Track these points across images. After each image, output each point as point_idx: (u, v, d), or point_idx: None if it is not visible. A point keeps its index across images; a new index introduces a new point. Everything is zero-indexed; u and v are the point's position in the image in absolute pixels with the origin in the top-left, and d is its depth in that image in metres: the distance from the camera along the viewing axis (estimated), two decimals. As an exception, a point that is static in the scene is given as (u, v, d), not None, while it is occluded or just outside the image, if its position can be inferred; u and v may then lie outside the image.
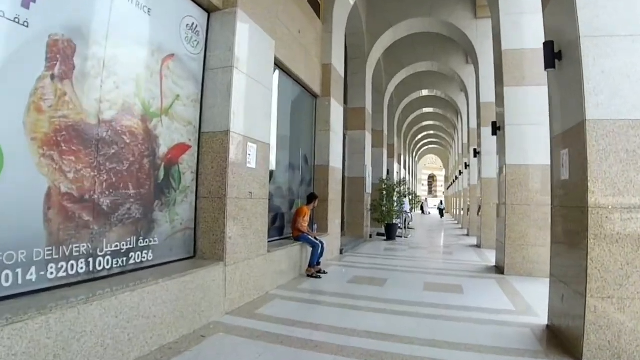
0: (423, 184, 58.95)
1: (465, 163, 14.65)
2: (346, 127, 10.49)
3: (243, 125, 4.14)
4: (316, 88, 7.48)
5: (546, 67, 3.50)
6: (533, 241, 6.04)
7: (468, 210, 14.00)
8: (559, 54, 3.38)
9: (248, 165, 4.24)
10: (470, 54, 11.31)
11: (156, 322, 2.90)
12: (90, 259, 2.80)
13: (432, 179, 64.43)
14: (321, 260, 6.13)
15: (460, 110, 16.90)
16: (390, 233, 11.54)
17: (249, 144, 4.24)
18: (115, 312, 2.56)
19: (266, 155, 4.70)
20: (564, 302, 3.27)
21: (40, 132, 2.47)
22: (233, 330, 3.35)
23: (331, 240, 7.59)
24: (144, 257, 3.28)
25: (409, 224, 15.08)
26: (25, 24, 2.39)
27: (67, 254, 2.63)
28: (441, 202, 32.39)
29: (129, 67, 3.13)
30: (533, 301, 4.46)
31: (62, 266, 2.60)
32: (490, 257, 7.79)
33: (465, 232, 14.29)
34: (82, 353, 2.32)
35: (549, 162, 3.83)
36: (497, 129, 6.72)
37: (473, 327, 3.60)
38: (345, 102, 10.37)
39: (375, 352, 2.95)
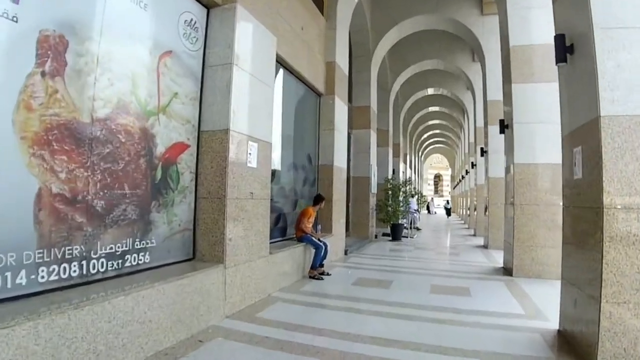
0: (429, 184, 58.65)
1: (472, 162, 14.46)
2: (351, 126, 10.37)
3: (243, 124, 4.04)
4: (320, 86, 7.36)
5: (557, 62, 3.35)
6: (542, 242, 5.88)
7: (475, 208, 13.80)
8: (570, 48, 3.23)
9: (249, 164, 4.14)
10: (476, 51, 11.13)
11: (152, 327, 2.81)
12: (84, 262, 2.72)
13: (438, 178, 64.03)
14: (325, 261, 6.02)
15: (467, 109, 16.71)
16: (395, 233, 11.39)
17: (249, 142, 4.14)
18: (108, 317, 2.47)
19: (268, 155, 4.60)
20: (577, 306, 3.13)
21: (30, 130, 2.39)
22: (232, 335, 3.24)
23: (335, 240, 7.47)
24: (141, 260, 3.19)
25: (416, 224, 14.92)
26: (15, 19, 2.31)
27: (59, 256, 2.55)
28: (448, 201, 32.13)
29: (124, 63, 3.03)
30: (543, 305, 4.32)
31: (53, 269, 2.51)
32: (497, 258, 7.63)
33: (472, 232, 14.10)
34: (72, 360, 2.23)
35: (558, 161, 3.70)
36: (504, 127, 6.56)
37: (481, 332, 3.47)
38: (350, 100, 10.26)
39: (379, 359, 2.83)
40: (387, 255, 8.60)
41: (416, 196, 14.94)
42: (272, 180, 5.09)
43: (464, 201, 22.08)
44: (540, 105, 5.95)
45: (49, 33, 2.50)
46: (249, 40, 4.19)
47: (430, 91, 17.86)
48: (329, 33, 7.74)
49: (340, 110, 8.01)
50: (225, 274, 3.72)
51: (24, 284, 2.34)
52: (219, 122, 3.85)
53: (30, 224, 2.40)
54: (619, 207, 2.65)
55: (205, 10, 3.98)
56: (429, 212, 33.18)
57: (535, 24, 6.15)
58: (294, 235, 6.02)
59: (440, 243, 11.92)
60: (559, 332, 3.46)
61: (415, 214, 14.60)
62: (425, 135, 31.00)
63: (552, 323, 3.63)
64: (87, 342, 2.32)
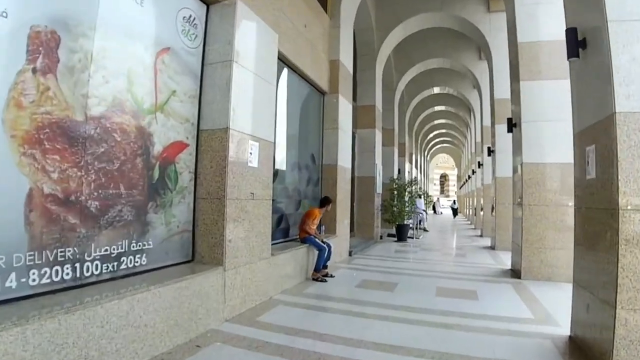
0: (435, 184, 58.31)
1: (479, 162, 14.27)
2: (356, 125, 10.25)
3: (244, 122, 3.94)
4: (323, 85, 7.25)
5: (569, 57, 3.21)
6: (551, 244, 5.72)
7: (481, 209, 13.62)
8: (583, 42, 3.10)
9: (249, 164, 4.05)
10: (483, 49, 10.95)
11: (147, 332, 2.72)
12: (77, 264, 2.63)
13: (444, 178, 63.64)
14: (329, 263, 5.91)
15: (473, 108, 16.50)
16: (401, 234, 11.25)
17: (250, 141, 4.05)
18: (100, 322, 2.38)
19: (269, 154, 4.50)
20: (590, 312, 3.00)
21: (20, 129, 2.31)
22: (231, 340, 3.15)
23: (339, 241, 7.36)
24: (137, 262, 3.10)
25: (423, 225, 14.78)
26: (4, 14, 2.24)
27: (51, 259, 2.47)
28: (454, 201, 31.89)
29: (120, 60, 2.95)
30: (553, 309, 4.17)
31: (45, 272, 2.44)
32: (505, 260, 7.47)
33: (479, 232, 13.92)
34: (62, 367, 2.15)
35: (567, 160, 3.57)
36: (512, 125, 6.40)
37: (489, 338, 3.34)
38: (355, 99, 10.13)
39: (382, 366, 2.73)
40: (392, 256, 8.47)
41: (423, 196, 14.77)
42: (274, 180, 5.01)
43: (471, 201, 21.86)
44: (549, 103, 5.79)
45: (41, 29, 2.42)
46: (250, 37, 4.10)
47: (436, 90, 17.66)
48: (333, 31, 7.63)
49: (345, 109, 7.89)
50: (225, 276, 3.63)
51: (14, 287, 2.26)
52: (218, 121, 3.76)
53: (21, 225, 2.32)
54: (636, 208, 2.52)
55: (204, 7, 3.89)
56: (435, 212, 32.95)
57: (543, 20, 5.99)
58: (298, 236, 5.92)
59: (446, 244, 11.76)
60: (571, 338, 3.33)
61: (422, 214, 14.46)
62: (431, 135, 30.75)
63: (564, 328, 3.49)
64: (78, 347, 2.24)
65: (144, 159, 3.19)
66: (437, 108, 21.22)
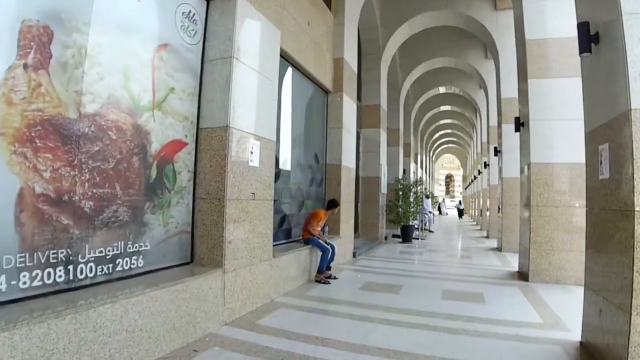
0: (440, 184, 57.96)
1: (485, 162, 14.10)
2: (360, 125, 10.15)
3: (244, 121, 3.85)
4: (327, 83, 7.15)
5: (581, 52, 3.09)
6: (560, 246, 5.58)
7: (487, 209, 13.44)
8: (595, 36, 2.97)
9: (250, 163, 3.96)
10: (490, 48, 10.79)
11: (143, 336, 2.64)
12: (71, 267, 2.55)
13: (449, 178, 63.24)
14: (332, 264, 5.81)
15: (479, 108, 16.32)
16: (406, 235, 11.11)
17: (251, 140, 3.96)
18: (93, 326, 2.30)
19: (271, 153, 4.40)
20: (602, 317, 2.87)
21: (10, 127, 2.24)
22: (230, 345, 3.05)
23: (343, 242, 7.25)
24: (133, 264, 3.02)
25: (429, 226, 14.62)
26: (-5, 7, 2.16)
27: (42, 261, 2.39)
28: (460, 202, 31.65)
29: (115, 56, 2.87)
30: (562, 313, 4.04)
31: (37, 274, 2.36)
32: (512, 262, 7.33)
33: (485, 234, 13.74)
34: (52, 373, 2.06)
35: (577, 160, 3.44)
36: (520, 124, 6.26)
37: (496, 344, 3.22)
38: (360, 99, 10.03)
39: (386, 373, 2.63)
40: (397, 257, 8.34)
41: (430, 196, 14.63)
42: (276, 180, 4.91)
43: (476, 202, 21.65)
44: (558, 102, 5.65)
45: (33, 23, 2.35)
46: (251, 33, 4.01)
47: (442, 90, 17.50)
48: (337, 29, 7.53)
49: (349, 109, 7.79)
50: (224, 278, 3.54)
51: (3, 290, 2.19)
52: (218, 119, 3.67)
53: (11, 226, 2.24)
54: (652, 209, 2.39)
55: (204, 2, 3.80)
56: (440, 213, 32.71)
57: (551, 17, 5.86)
58: (301, 237, 5.82)
59: (451, 245, 11.60)
60: (582, 344, 3.20)
61: (429, 215, 14.31)
62: (436, 135, 30.55)
63: (574, 334, 3.37)
64: (69, 353, 2.16)
65: (141, 158, 3.11)
66: (443, 108, 21.04)
